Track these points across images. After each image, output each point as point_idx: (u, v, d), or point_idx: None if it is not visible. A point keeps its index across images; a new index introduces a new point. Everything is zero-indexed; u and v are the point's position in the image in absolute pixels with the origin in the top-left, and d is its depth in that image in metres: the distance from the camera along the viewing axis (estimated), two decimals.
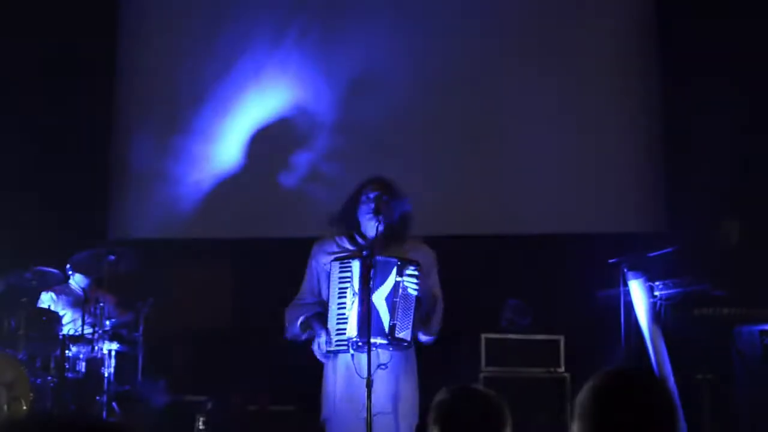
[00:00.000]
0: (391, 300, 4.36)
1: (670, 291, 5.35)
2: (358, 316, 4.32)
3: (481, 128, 7.57)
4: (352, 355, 4.32)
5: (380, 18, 7.73)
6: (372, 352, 4.36)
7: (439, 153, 7.55)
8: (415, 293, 4.39)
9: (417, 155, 7.44)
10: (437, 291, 4.60)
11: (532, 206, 7.37)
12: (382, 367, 4.39)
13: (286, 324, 4.68)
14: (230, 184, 7.71)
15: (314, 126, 7.67)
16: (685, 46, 7.27)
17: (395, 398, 4.42)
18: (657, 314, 5.33)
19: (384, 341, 4.35)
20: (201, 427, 6.74)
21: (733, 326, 5.41)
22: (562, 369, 6.50)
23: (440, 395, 3.11)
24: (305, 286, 4.70)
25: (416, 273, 4.38)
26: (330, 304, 4.51)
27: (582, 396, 2.46)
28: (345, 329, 4.40)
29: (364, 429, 4.25)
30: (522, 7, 7.68)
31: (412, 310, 4.39)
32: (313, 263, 4.69)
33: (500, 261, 7.12)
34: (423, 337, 4.58)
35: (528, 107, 7.52)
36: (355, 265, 4.42)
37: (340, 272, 4.48)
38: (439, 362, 4.66)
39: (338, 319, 4.45)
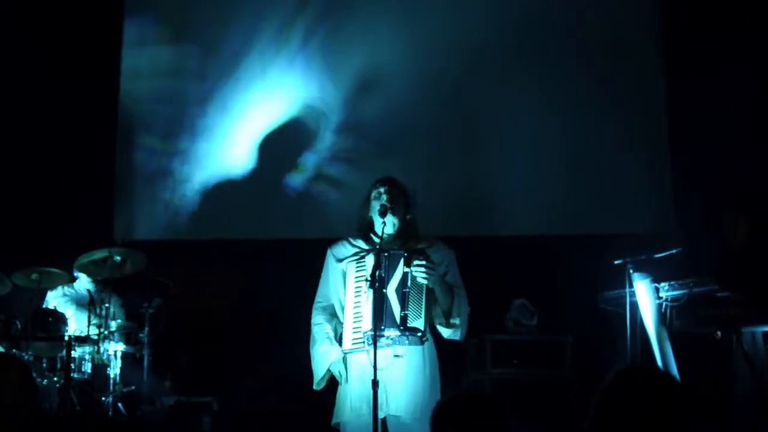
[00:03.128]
0: (401, 291, 4.38)
1: (676, 292, 5.32)
2: (372, 310, 4.32)
3: (486, 128, 7.57)
4: (368, 351, 4.29)
5: (386, 17, 7.73)
6: (389, 348, 4.37)
7: (444, 153, 7.55)
8: (425, 282, 4.39)
9: (422, 155, 7.45)
10: (458, 288, 4.59)
11: (537, 207, 7.37)
12: (399, 356, 4.39)
13: (312, 331, 4.68)
14: (236, 185, 7.71)
15: (320, 126, 7.67)
16: (689, 44, 7.26)
17: (412, 400, 4.40)
18: (663, 315, 5.31)
19: (397, 332, 4.36)
20: (207, 427, 6.76)
21: (739, 327, 5.40)
22: (568, 370, 6.50)
23: (441, 400, 3.11)
24: (323, 289, 4.71)
25: (424, 263, 4.40)
26: (347, 303, 4.53)
27: (598, 394, 2.45)
28: (361, 326, 4.41)
29: (379, 431, 4.26)
30: (526, 8, 7.67)
31: (423, 300, 4.39)
32: (329, 267, 4.70)
33: (506, 262, 7.12)
34: (446, 331, 4.59)
35: (534, 107, 7.52)
36: (368, 262, 4.44)
37: (356, 271, 4.52)
38: (445, 364, 4.64)
39: (354, 316, 4.47)
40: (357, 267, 4.53)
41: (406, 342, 4.41)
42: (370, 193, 4.66)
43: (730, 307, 5.33)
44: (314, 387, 4.63)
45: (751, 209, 6.10)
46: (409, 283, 4.38)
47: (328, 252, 4.73)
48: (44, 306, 6.78)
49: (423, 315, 4.39)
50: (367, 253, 4.51)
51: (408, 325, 4.35)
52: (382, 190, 4.60)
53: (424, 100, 7.57)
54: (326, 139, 7.65)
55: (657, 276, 5.35)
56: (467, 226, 7.28)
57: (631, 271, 5.33)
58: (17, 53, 7.82)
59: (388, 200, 4.55)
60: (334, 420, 4.54)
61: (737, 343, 5.46)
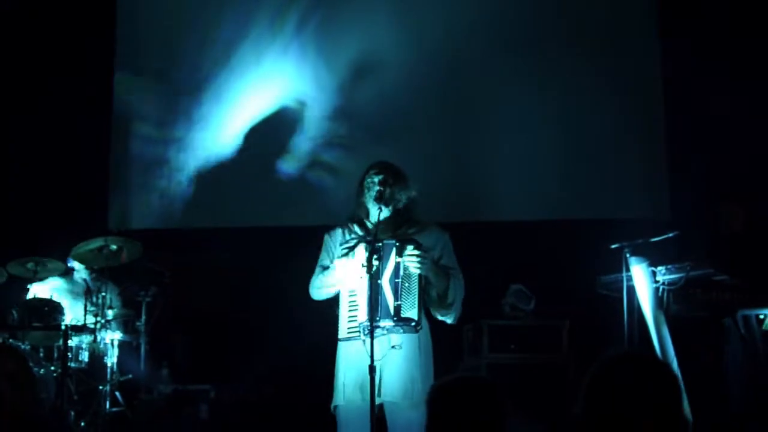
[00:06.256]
0: (393, 281, 4.38)
1: (672, 276, 5.33)
2: (366, 301, 4.32)
3: (482, 114, 7.56)
4: (363, 341, 4.31)
5: (381, 4, 7.71)
6: (384, 336, 4.38)
7: (440, 139, 7.54)
8: (417, 271, 4.40)
9: (418, 141, 7.43)
10: (453, 270, 4.59)
11: (534, 192, 7.37)
12: (396, 347, 4.39)
13: (316, 283, 4.66)
14: (232, 173, 7.69)
15: (315, 113, 7.66)
16: (686, 29, 7.25)
17: (406, 386, 4.40)
18: (660, 299, 5.31)
19: (391, 322, 4.36)
20: (204, 415, 6.76)
21: (736, 311, 5.41)
22: (565, 354, 6.51)
23: (436, 383, 3.10)
24: (322, 265, 4.70)
25: (416, 252, 4.39)
26: (342, 291, 4.54)
27: (587, 379, 2.45)
28: (356, 316, 4.42)
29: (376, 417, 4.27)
30: None
31: (416, 289, 4.40)
32: (328, 250, 4.71)
33: (503, 247, 7.12)
34: (440, 316, 4.60)
35: (530, 93, 7.51)
36: (358, 251, 4.44)
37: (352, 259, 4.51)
38: (441, 349, 4.65)
39: (350, 305, 4.47)
40: (352, 255, 4.51)
41: (401, 331, 4.42)
42: (363, 179, 4.65)
43: (727, 291, 5.34)
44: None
45: (746, 197, 6.12)
46: (401, 272, 4.38)
47: (326, 237, 4.74)
48: (27, 296, 6.72)
49: (416, 304, 4.39)
50: (359, 243, 4.50)
51: (402, 315, 4.37)
52: (375, 176, 4.60)
53: (419, 86, 7.55)
54: (321, 126, 7.63)
55: (654, 260, 5.36)
56: (463, 212, 7.27)
57: (628, 255, 5.33)
58: (13, 42, 7.81)
59: (381, 185, 4.55)
60: (333, 404, 4.55)
61: (734, 326, 5.47)
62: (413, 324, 4.39)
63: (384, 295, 4.38)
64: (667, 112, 7.40)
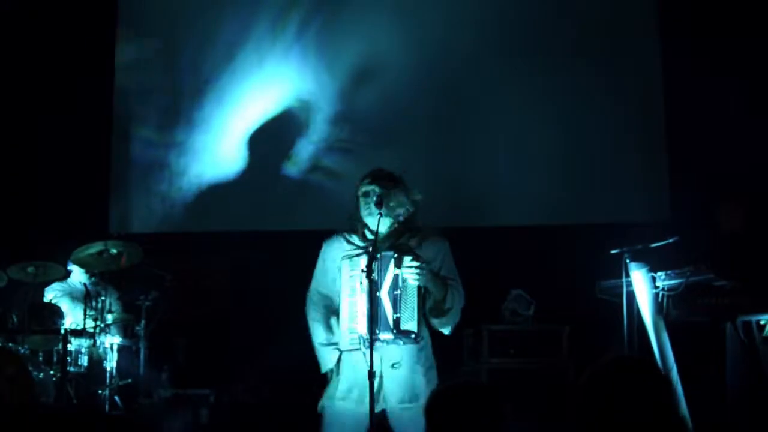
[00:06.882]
0: (392, 293, 4.36)
1: (672, 281, 5.32)
2: (366, 314, 4.30)
3: (482, 118, 7.55)
4: (364, 353, 4.29)
5: (382, 7, 7.71)
6: (383, 350, 4.36)
7: (441, 143, 7.54)
8: (416, 283, 4.37)
9: (419, 146, 7.43)
10: (451, 279, 4.56)
11: (534, 197, 7.36)
12: (395, 366, 4.39)
13: (311, 320, 4.63)
14: (233, 177, 7.69)
15: (316, 117, 7.65)
16: (686, 32, 7.25)
17: (405, 395, 4.39)
18: (659, 305, 5.31)
19: (390, 335, 4.34)
20: (204, 420, 6.76)
21: (736, 316, 5.40)
22: (565, 359, 6.51)
23: (435, 390, 3.10)
24: (318, 280, 4.66)
25: (415, 264, 4.36)
26: (342, 303, 4.49)
27: (582, 383, 2.46)
28: (356, 327, 4.39)
29: (368, 424, 4.24)
30: None
31: (415, 301, 4.37)
32: (326, 261, 4.65)
33: (503, 252, 7.11)
34: (436, 325, 4.57)
35: (530, 96, 7.50)
36: (363, 262, 4.39)
37: (351, 270, 4.47)
38: (441, 355, 4.64)
39: (350, 316, 4.44)
40: (351, 266, 4.47)
41: (401, 344, 4.40)
42: (358, 188, 4.60)
43: (727, 296, 5.34)
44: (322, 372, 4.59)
45: (747, 197, 6.11)
46: (400, 284, 4.36)
47: (324, 246, 4.69)
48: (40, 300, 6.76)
49: (416, 316, 4.37)
50: (360, 254, 4.47)
51: (401, 328, 4.34)
52: (370, 188, 4.53)
53: (420, 90, 7.55)
54: (322, 130, 7.63)
55: (654, 265, 5.35)
56: (464, 217, 7.27)
57: (627, 260, 5.32)
58: (13, 43, 7.81)
59: (377, 197, 4.47)
60: (321, 403, 4.51)
61: (734, 332, 5.46)
62: (413, 336, 4.37)
63: (383, 308, 4.35)
64: (667, 112, 7.39)
